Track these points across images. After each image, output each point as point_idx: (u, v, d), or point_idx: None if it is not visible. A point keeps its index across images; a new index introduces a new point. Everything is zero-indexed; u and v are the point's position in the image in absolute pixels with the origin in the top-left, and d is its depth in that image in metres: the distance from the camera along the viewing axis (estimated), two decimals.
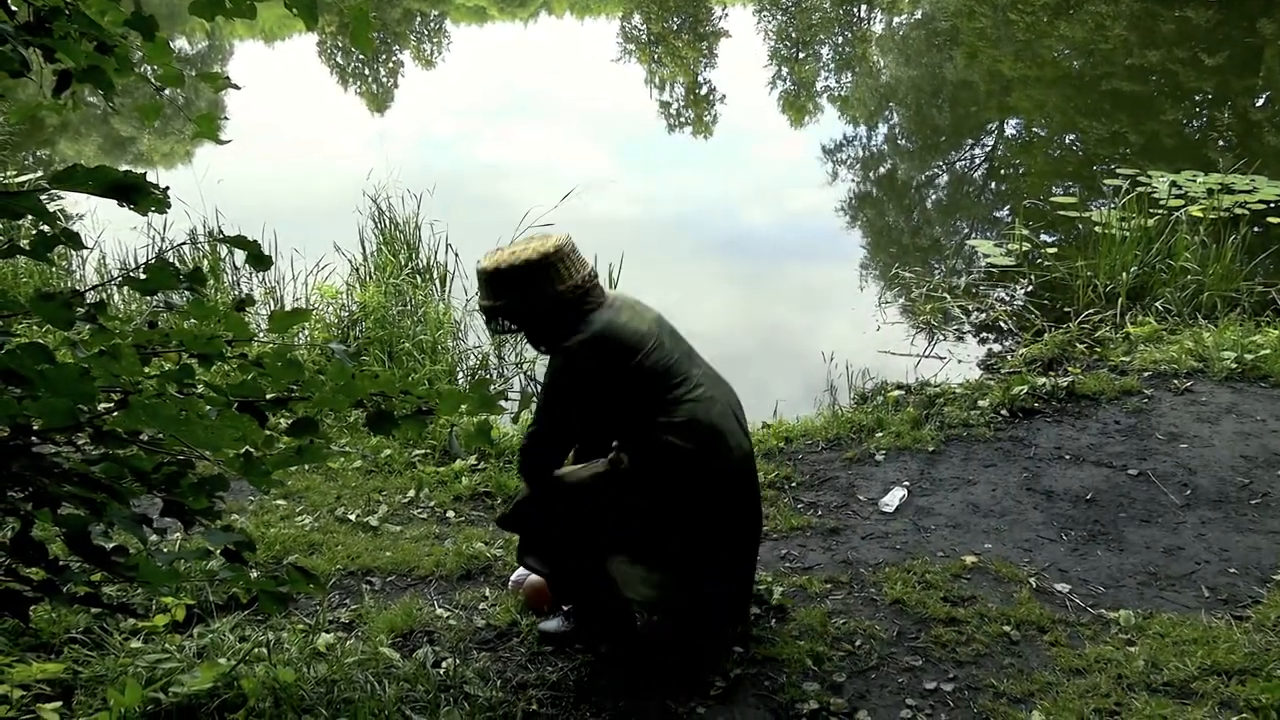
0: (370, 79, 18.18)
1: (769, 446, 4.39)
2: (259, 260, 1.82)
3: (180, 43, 21.56)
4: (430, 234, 6.76)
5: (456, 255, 6.67)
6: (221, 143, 2.66)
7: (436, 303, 6.02)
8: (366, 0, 2.13)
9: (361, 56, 19.75)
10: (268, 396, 1.76)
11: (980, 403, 4.60)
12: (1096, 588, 3.25)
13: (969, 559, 3.43)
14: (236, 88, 2.45)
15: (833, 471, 4.14)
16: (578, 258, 2.68)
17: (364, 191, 7.01)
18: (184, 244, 6.49)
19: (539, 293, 2.62)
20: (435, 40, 23.14)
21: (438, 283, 6.52)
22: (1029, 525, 3.64)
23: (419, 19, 25.79)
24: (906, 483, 3.99)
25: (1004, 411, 4.51)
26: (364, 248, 6.64)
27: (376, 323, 5.46)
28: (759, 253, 8.06)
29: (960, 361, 5.68)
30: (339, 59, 19.17)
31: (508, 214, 7.01)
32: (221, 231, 6.46)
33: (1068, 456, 4.11)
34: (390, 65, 19.28)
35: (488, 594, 3.36)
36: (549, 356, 2.71)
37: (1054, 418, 4.46)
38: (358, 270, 6.34)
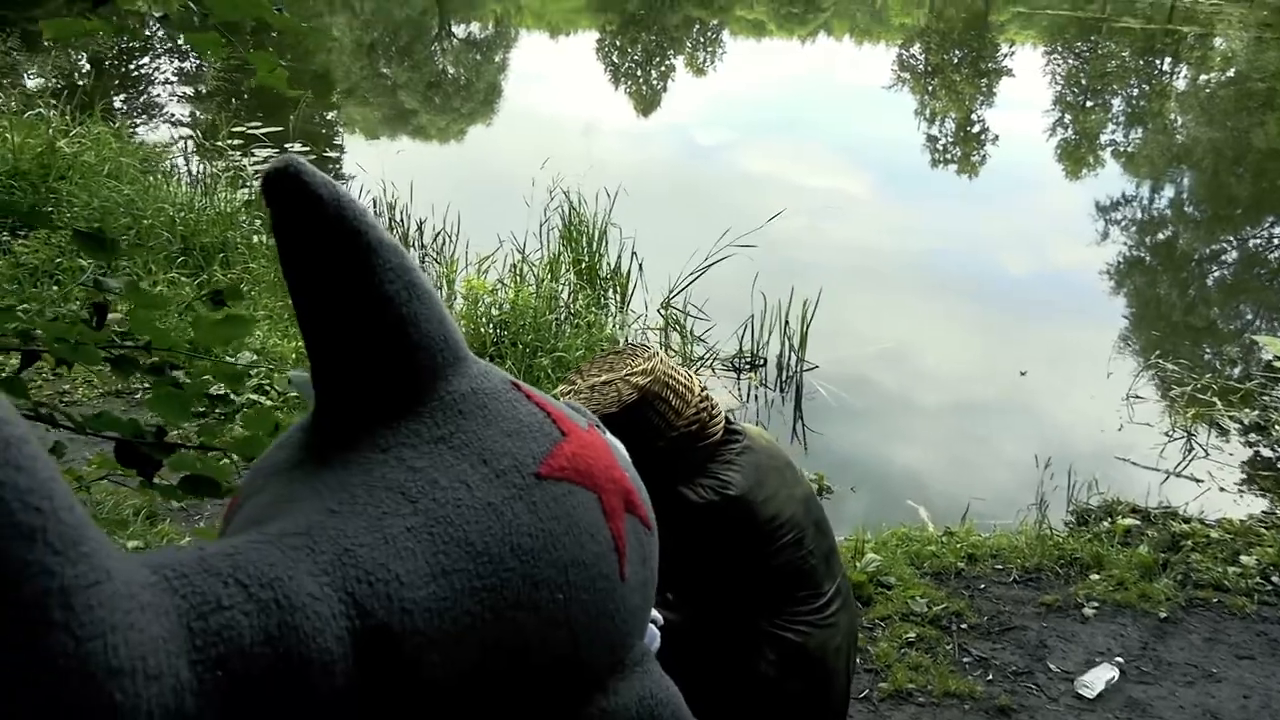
0: (641, 80, 18.19)
1: (945, 563, 3.46)
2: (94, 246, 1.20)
3: (473, 27, 22.59)
4: (619, 237, 6.17)
5: (640, 265, 6.04)
6: (293, 90, 2.13)
7: (597, 315, 5.40)
8: (275, 55, 1.79)
9: (636, 57, 19.96)
10: None
11: (1243, 558, 3.47)
12: None
13: None
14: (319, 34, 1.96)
15: (1021, 618, 3.17)
16: (681, 379, 1.85)
17: (555, 186, 6.56)
18: None
19: (641, 443, 1.77)
20: (710, 49, 22.96)
21: (615, 294, 5.91)
22: None
23: (697, 27, 25.69)
24: (1119, 658, 2.96)
25: (1276, 578, 3.37)
26: (543, 242, 6.16)
27: (523, 329, 4.88)
28: (1004, 302, 7.20)
29: (1223, 490, 4.46)
30: (614, 58, 19.39)
31: (738, 223, 6.32)
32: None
33: None
34: (663, 69, 19.28)
35: None
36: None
37: None
38: (516, 266, 5.79)
